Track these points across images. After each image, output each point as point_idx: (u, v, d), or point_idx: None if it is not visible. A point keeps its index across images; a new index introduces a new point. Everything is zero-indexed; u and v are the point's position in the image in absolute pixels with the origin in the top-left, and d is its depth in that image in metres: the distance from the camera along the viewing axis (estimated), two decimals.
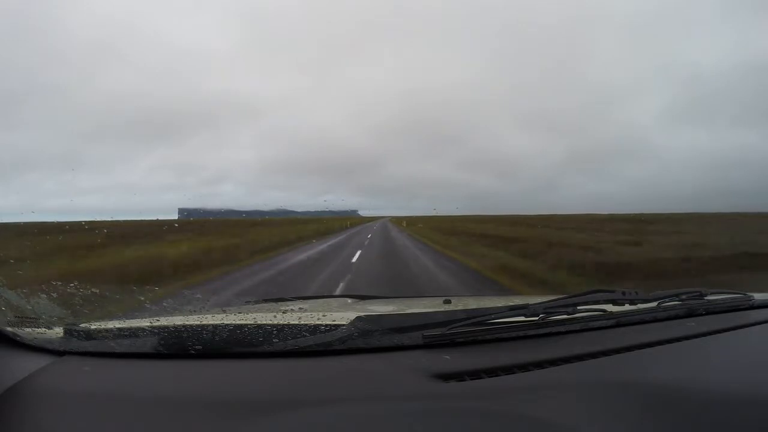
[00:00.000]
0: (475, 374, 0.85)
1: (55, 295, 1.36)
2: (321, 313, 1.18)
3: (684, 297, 1.29)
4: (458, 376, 0.84)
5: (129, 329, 1.03)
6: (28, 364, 0.88)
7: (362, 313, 1.01)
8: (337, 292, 5.83)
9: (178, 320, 1.11)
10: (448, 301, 1.56)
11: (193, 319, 1.10)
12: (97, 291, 1.57)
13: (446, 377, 0.83)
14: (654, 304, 1.25)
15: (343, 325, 0.96)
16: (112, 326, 1.04)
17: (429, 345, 0.95)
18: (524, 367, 0.88)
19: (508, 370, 0.87)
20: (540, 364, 0.89)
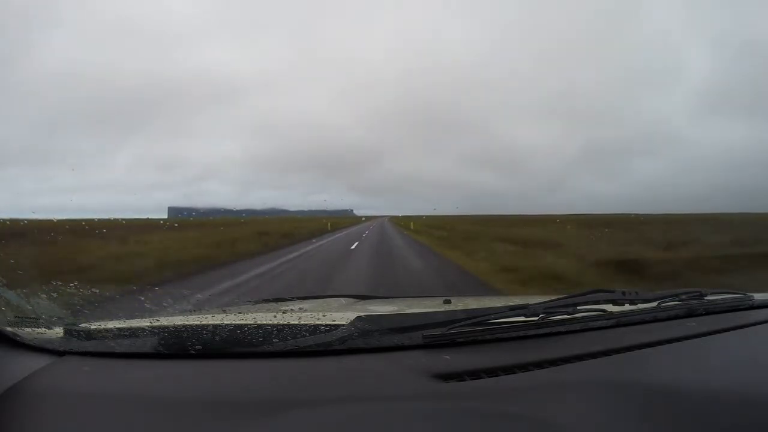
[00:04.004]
0: (475, 374, 0.85)
1: (55, 294, 1.36)
2: (321, 313, 1.18)
3: (684, 297, 1.29)
4: (458, 376, 0.84)
5: (129, 329, 1.03)
6: (28, 364, 0.88)
7: (362, 313, 1.01)
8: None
9: (178, 320, 1.11)
10: (448, 301, 1.56)
11: (193, 319, 1.10)
12: (97, 291, 1.57)
13: (446, 377, 0.83)
14: (654, 304, 1.25)
15: (343, 325, 0.96)
16: (112, 326, 1.05)
17: (429, 345, 0.95)
18: (524, 367, 0.88)
19: (508, 370, 0.87)
20: (540, 364, 0.89)
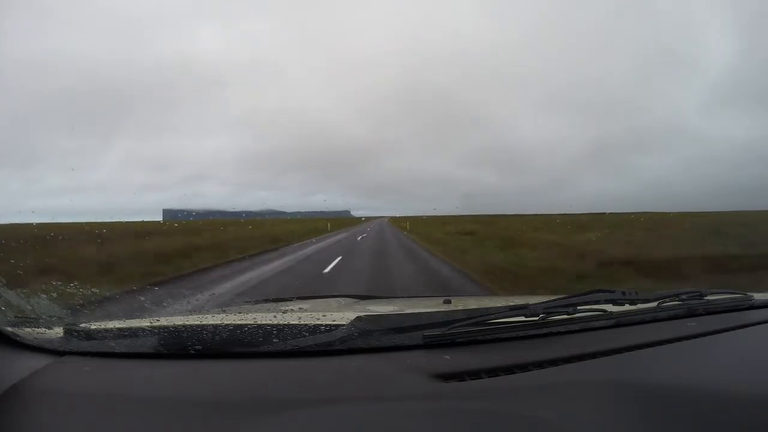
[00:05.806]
0: (476, 374, 0.85)
1: (54, 295, 1.36)
2: (321, 313, 1.18)
3: (684, 297, 1.29)
4: (458, 376, 0.84)
5: (129, 329, 1.03)
6: (28, 364, 0.88)
7: (362, 313, 1.02)
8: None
9: (178, 320, 1.11)
10: (448, 301, 1.57)
11: (193, 319, 1.10)
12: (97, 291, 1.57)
13: (446, 377, 0.83)
14: (654, 304, 1.25)
15: (343, 325, 0.96)
16: (112, 326, 1.05)
17: (429, 345, 0.95)
18: (524, 367, 0.88)
19: (509, 370, 0.87)
20: (540, 364, 0.89)
